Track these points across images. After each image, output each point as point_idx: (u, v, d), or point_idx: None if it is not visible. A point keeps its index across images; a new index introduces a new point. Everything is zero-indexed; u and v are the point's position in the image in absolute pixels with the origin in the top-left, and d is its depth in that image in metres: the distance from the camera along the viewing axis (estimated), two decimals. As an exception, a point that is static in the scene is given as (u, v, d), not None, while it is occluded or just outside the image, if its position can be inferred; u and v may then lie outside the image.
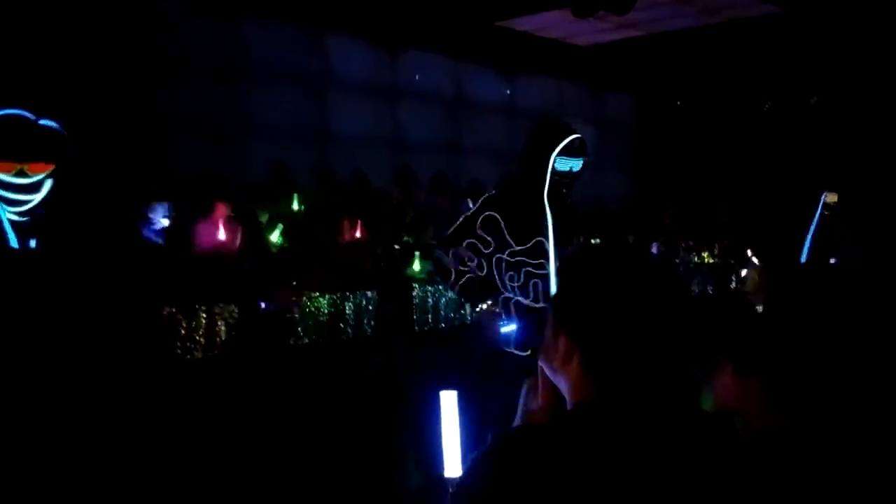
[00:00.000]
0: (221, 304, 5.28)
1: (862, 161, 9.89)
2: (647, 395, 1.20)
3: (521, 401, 1.38)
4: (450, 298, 6.40)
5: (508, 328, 3.43)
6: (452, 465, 1.89)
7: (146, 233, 6.14)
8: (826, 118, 10.91)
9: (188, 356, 5.11)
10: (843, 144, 10.32)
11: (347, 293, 5.75)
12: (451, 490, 1.23)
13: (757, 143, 11.39)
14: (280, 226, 6.41)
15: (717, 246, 8.29)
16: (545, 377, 1.29)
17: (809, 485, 1.53)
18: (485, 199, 3.62)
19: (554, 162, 3.52)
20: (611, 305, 1.21)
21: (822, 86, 11.09)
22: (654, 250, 8.15)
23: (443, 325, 6.37)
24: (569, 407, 1.24)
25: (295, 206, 7.19)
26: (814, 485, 1.54)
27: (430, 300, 6.27)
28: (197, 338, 5.13)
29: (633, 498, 1.11)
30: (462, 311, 6.49)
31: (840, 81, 10.74)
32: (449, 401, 1.95)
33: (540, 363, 1.30)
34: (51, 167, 3.79)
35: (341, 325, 5.86)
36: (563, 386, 1.25)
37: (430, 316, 6.26)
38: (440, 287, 6.36)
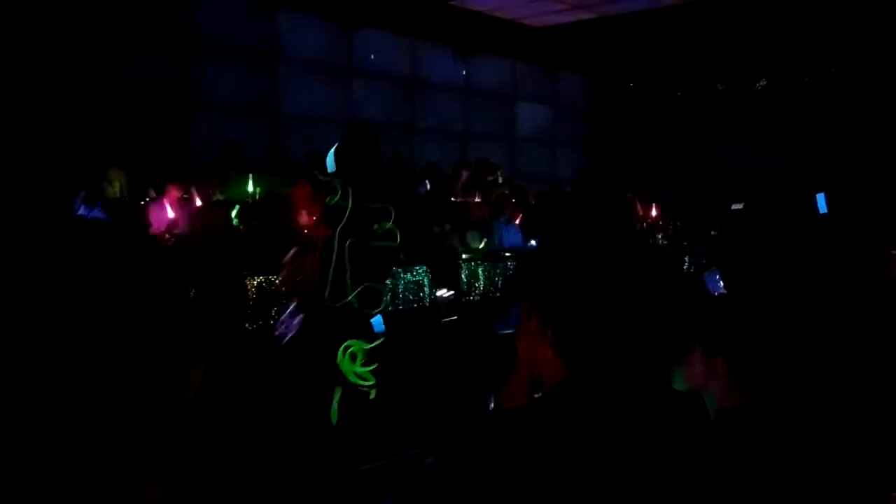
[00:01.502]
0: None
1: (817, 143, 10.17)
2: (616, 375, 1.22)
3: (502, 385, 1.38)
4: (409, 281, 6.37)
5: None
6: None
7: (96, 216, 5.98)
8: (776, 99, 11.18)
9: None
10: (795, 125, 10.58)
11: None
12: (427, 469, 1.23)
13: (708, 123, 11.61)
14: (237, 207, 6.27)
15: (670, 228, 8.43)
16: (525, 362, 1.30)
17: (772, 460, 1.59)
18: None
19: None
20: (576, 285, 1.22)
21: (772, 68, 11.34)
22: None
23: (401, 307, 6.34)
24: (545, 387, 1.25)
25: (250, 187, 7.05)
26: (776, 460, 1.59)
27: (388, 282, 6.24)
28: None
29: (599, 476, 1.13)
30: (421, 294, 6.48)
31: (791, 63, 11.00)
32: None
33: (518, 346, 1.31)
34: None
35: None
36: (538, 367, 1.26)
37: (388, 298, 6.23)
38: (399, 270, 6.33)
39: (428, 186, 8.17)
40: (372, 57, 9.66)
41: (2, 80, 6.51)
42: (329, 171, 3.61)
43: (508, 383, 1.31)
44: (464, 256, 6.77)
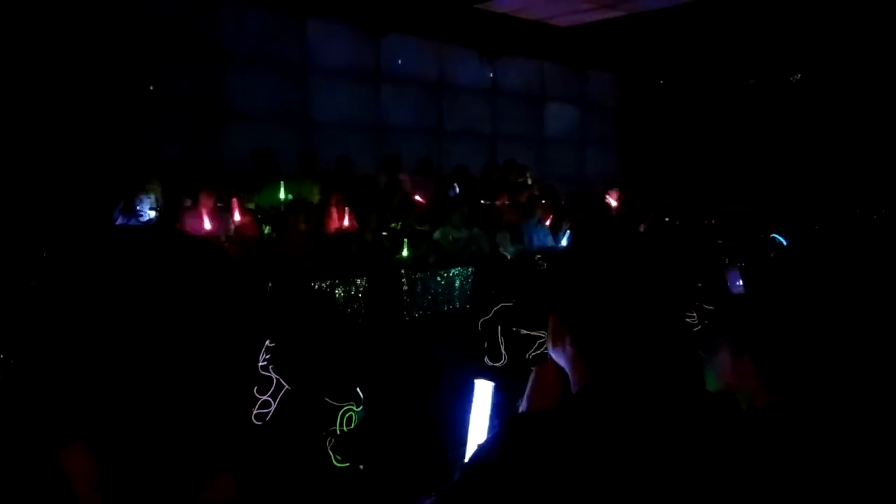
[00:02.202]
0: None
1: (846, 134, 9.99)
2: (643, 376, 1.21)
3: (529, 386, 1.40)
4: (439, 284, 6.41)
5: None
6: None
7: (132, 224, 6.11)
8: (810, 94, 10.99)
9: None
10: (828, 121, 10.41)
11: (337, 281, 5.74)
12: (460, 471, 1.24)
13: (741, 119, 11.46)
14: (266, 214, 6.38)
15: (704, 226, 8.34)
16: (554, 365, 1.31)
17: (806, 459, 1.58)
18: None
19: None
20: (592, 285, 1.22)
21: (806, 62, 11.15)
22: (641, 230, 8.19)
23: (428, 311, 6.37)
24: (573, 390, 1.26)
25: (282, 194, 7.15)
26: (810, 459, 1.58)
27: (418, 286, 6.29)
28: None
29: (634, 479, 1.13)
30: (451, 296, 6.52)
31: (823, 57, 10.81)
32: (483, 390, 1.94)
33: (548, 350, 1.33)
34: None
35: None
36: (566, 368, 1.27)
37: (418, 301, 6.27)
38: (428, 273, 6.37)
39: (457, 190, 8.20)
40: (399, 62, 9.73)
41: (41, 95, 6.70)
42: None
43: (537, 386, 1.33)
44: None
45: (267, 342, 4.27)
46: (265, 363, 4.15)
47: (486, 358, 5.11)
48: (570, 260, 1.27)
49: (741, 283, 3.43)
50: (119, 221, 6.30)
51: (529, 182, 9.32)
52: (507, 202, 8.30)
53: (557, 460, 1.12)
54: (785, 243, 5.68)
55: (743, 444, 1.48)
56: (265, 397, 4.05)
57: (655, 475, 1.15)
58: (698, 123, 11.85)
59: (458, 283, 6.49)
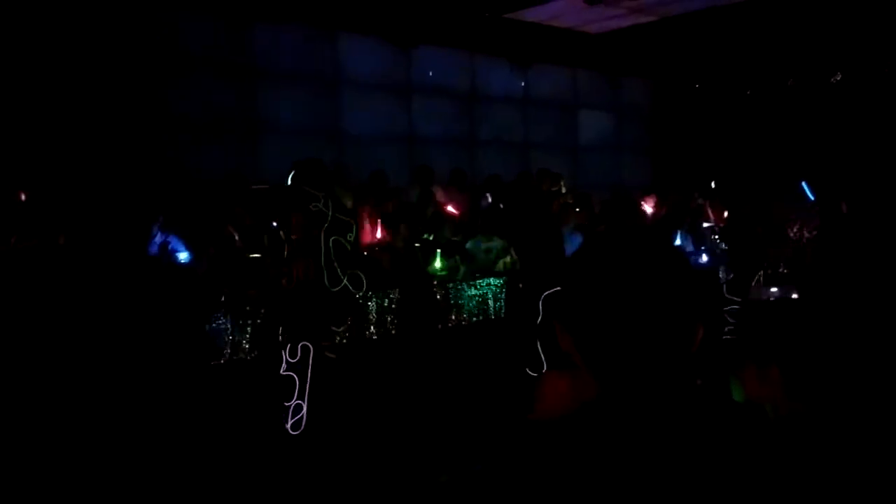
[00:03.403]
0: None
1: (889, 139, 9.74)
2: (647, 390, 1.16)
3: (535, 393, 1.37)
4: (471, 295, 6.39)
5: None
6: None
7: (172, 241, 6.22)
8: (852, 95, 10.73)
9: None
10: (872, 121, 10.15)
11: (370, 293, 5.77)
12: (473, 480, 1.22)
13: (779, 121, 11.23)
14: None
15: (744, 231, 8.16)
16: (561, 373, 1.28)
17: (831, 467, 1.53)
18: None
19: None
20: (585, 292, 1.18)
21: (847, 60, 10.89)
22: (677, 238, 8.07)
23: (462, 322, 6.35)
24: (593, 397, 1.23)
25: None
26: (835, 467, 1.53)
27: (451, 297, 6.28)
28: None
29: (652, 490, 1.09)
30: (484, 307, 6.49)
31: (865, 56, 10.56)
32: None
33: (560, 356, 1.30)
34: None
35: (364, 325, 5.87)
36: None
37: (452, 313, 6.26)
38: (463, 284, 6.36)
39: (489, 200, 8.19)
40: (430, 74, 9.77)
41: (81, 113, 6.88)
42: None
43: (543, 395, 1.30)
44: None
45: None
46: None
47: (527, 369, 5.09)
48: (568, 265, 1.22)
49: (776, 290, 3.35)
50: (158, 237, 6.43)
51: (563, 190, 9.26)
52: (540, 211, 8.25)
53: (578, 469, 1.09)
54: (812, 197, 5.54)
55: (770, 454, 1.43)
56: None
57: (680, 484, 1.12)
58: (736, 127, 11.65)
59: (491, 294, 6.47)
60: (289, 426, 4.57)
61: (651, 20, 9.96)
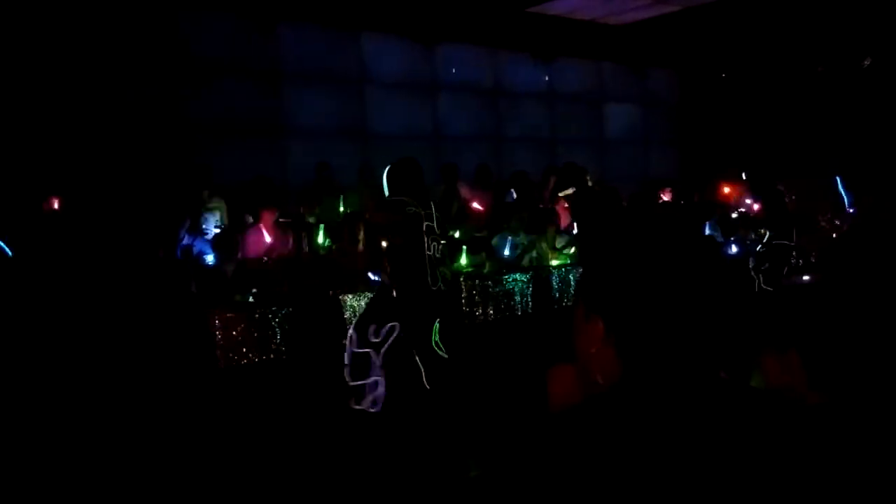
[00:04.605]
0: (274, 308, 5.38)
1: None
2: (669, 371, 1.15)
3: (548, 384, 1.36)
4: (497, 291, 6.38)
5: None
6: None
7: (199, 244, 6.31)
8: (884, 80, 10.49)
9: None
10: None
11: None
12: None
13: (808, 110, 11.02)
14: (321, 227, 6.48)
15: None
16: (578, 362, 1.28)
17: (853, 457, 1.51)
18: None
19: None
20: (609, 274, 1.17)
21: (877, 44, 10.66)
22: (706, 228, 7.98)
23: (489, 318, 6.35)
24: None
25: (341, 207, 7.26)
26: (857, 457, 1.51)
27: (478, 292, 6.27)
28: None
29: (671, 479, 1.09)
30: (512, 303, 6.48)
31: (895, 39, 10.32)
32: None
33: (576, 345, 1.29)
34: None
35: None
36: (596, 368, 1.24)
37: (479, 309, 6.26)
38: (488, 281, 6.36)
39: (514, 195, 8.16)
40: (454, 71, 9.77)
41: (108, 120, 7.01)
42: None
43: (558, 383, 1.30)
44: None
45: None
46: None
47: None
48: (603, 250, 1.21)
49: (807, 278, 3.30)
50: (185, 240, 6.53)
51: (590, 184, 9.19)
52: (566, 205, 8.20)
53: (597, 456, 1.08)
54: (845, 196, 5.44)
55: (792, 442, 1.41)
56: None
57: (699, 473, 1.11)
58: (764, 117, 11.46)
59: (518, 289, 6.46)
60: (366, 405, 4.59)
61: (674, 10, 9.85)
